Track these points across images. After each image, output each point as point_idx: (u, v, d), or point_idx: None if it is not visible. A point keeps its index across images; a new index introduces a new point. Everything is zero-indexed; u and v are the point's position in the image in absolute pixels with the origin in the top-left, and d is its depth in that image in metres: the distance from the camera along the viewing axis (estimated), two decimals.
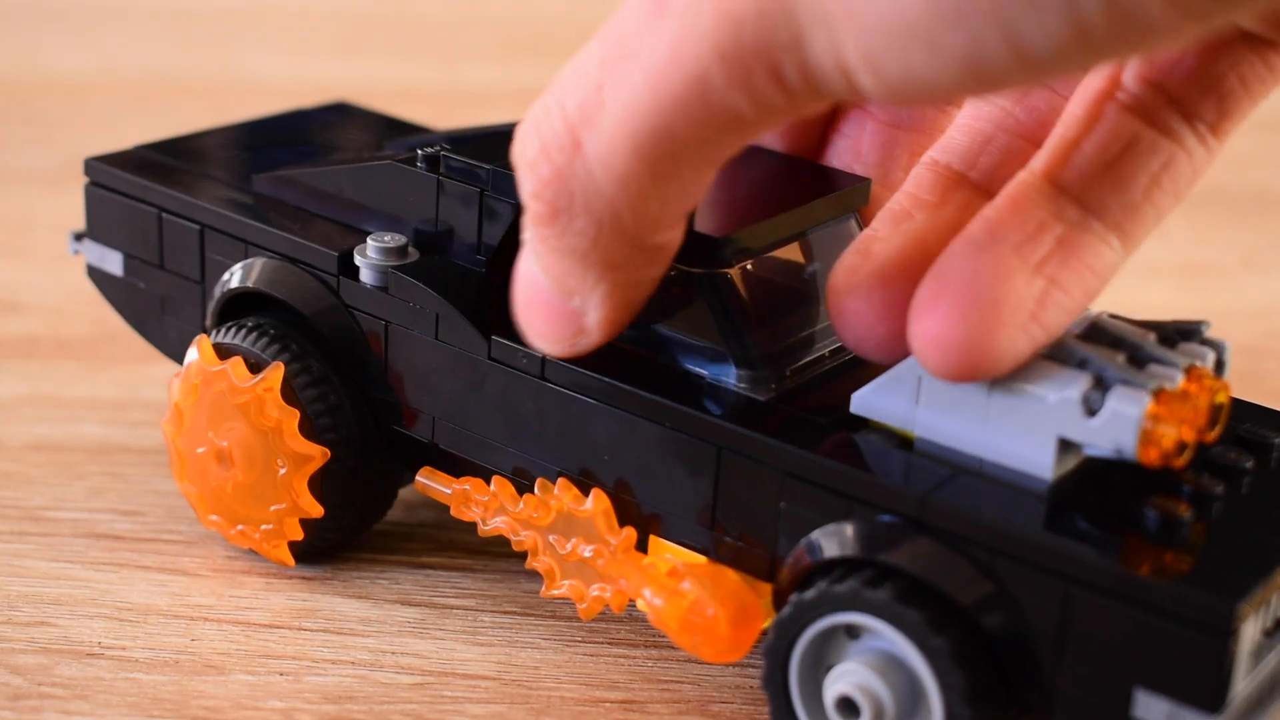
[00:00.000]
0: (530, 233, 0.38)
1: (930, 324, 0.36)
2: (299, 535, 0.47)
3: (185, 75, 1.00)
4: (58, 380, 0.60)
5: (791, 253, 0.44)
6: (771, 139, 0.47)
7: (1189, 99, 0.38)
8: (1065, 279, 0.37)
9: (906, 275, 0.39)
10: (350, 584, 0.48)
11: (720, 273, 0.42)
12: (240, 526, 0.48)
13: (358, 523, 0.49)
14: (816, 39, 0.31)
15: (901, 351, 0.39)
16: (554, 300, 0.40)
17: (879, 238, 0.40)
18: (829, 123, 0.47)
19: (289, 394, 0.46)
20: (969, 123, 0.42)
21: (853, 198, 0.44)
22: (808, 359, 0.43)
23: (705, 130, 0.34)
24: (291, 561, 0.48)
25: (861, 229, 0.44)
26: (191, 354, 0.48)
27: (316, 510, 0.47)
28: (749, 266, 0.42)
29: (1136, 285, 0.74)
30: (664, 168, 0.35)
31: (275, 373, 0.46)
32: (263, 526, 0.48)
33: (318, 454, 0.46)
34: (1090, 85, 0.39)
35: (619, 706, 0.43)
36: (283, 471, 0.47)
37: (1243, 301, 0.73)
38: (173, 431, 0.49)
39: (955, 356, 0.36)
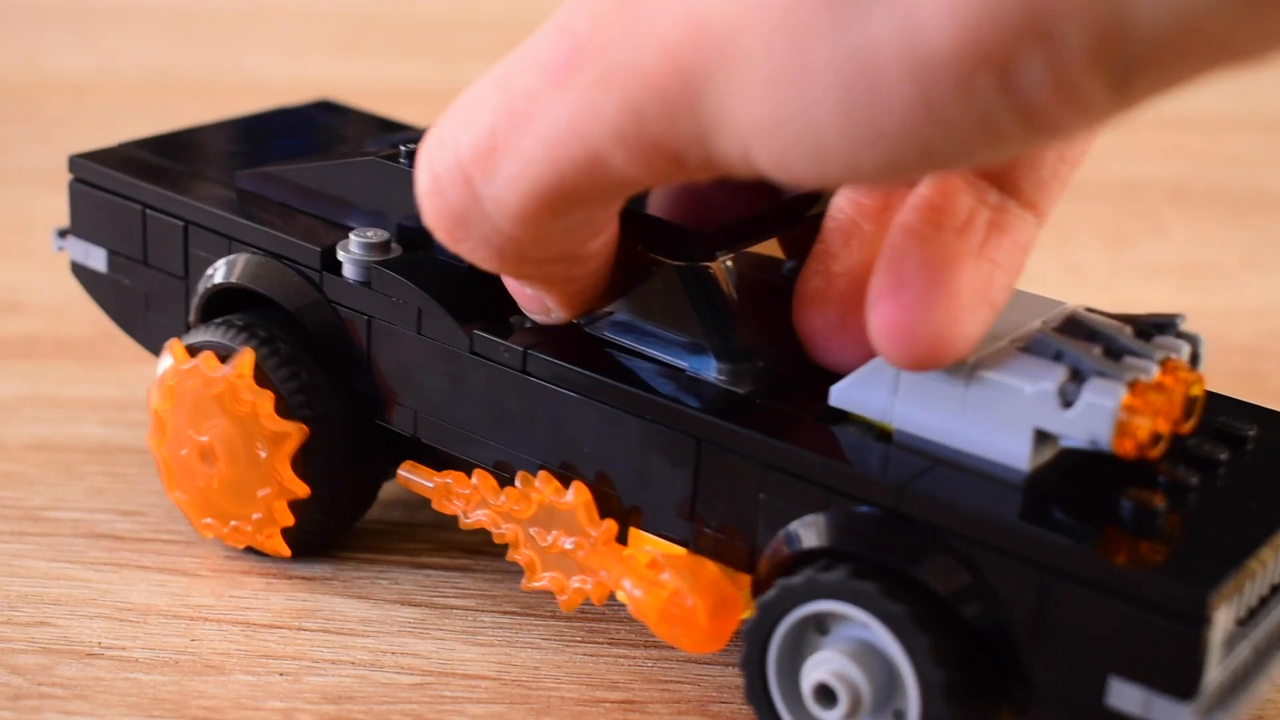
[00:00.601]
0: None
1: (893, 314, 0.36)
2: (290, 520, 0.47)
3: (185, 75, 1.01)
4: (58, 380, 0.60)
5: (772, 247, 0.44)
6: None
7: None
8: (1002, 259, 0.38)
9: None
10: (350, 584, 0.48)
11: (701, 266, 0.42)
12: (233, 523, 0.48)
13: (347, 507, 0.49)
14: (723, 139, 0.32)
15: None
16: (515, 284, 0.42)
17: (836, 256, 0.41)
18: None
19: (261, 377, 0.46)
20: None
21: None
22: (787, 353, 0.43)
23: (603, 190, 0.35)
24: (287, 551, 0.48)
25: None
26: (164, 360, 0.48)
27: (302, 490, 0.47)
28: (730, 260, 0.42)
29: (1136, 285, 0.74)
30: (562, 208, 0.36)
31: (245, 358, 0.46)
32: (254, 516, 0.48)
33: (294, 430, 0.46)
34: None
35: (619, 706, 0.43)
36: (264, 455, 0.47)
37: (1243, 301, 0.73)
38: (157, 442, 0.49)
39: (921, 345, 0.36)
